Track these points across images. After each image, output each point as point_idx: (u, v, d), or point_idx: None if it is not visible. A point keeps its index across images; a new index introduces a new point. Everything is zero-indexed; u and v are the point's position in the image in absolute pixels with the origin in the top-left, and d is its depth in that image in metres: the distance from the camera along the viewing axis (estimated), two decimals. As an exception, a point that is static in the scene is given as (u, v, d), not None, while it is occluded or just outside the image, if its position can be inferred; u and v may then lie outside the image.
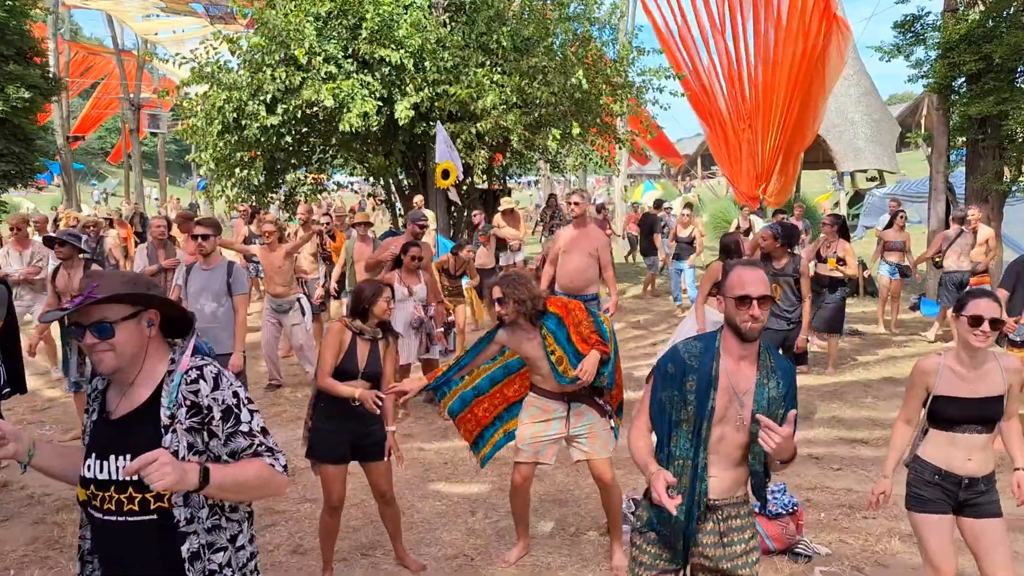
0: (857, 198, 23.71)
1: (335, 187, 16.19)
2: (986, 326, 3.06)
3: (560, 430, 4.16)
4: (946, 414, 3.20)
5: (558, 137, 13.50)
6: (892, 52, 13.10)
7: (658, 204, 15.06)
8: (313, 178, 15.18)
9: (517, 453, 4.23)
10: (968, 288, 3.31)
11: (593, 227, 7.16)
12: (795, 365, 6.54)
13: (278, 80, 12.16)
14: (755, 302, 2.49)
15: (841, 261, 8.40)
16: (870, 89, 25.70)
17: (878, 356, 9.25)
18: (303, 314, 8.32)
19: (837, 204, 25.43)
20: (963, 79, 12.14)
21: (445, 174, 10.30)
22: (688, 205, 23.13)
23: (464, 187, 14.30)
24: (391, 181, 15.25)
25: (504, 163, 16.06)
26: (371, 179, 16.12)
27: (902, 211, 10.86)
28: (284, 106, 12.39)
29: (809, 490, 5.31)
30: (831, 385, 7.96)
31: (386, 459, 4.12)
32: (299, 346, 8.19)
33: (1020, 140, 11.64)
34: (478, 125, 12.90)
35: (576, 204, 6.89)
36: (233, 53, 13.08)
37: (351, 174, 16.23)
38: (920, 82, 12.72)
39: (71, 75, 29.53)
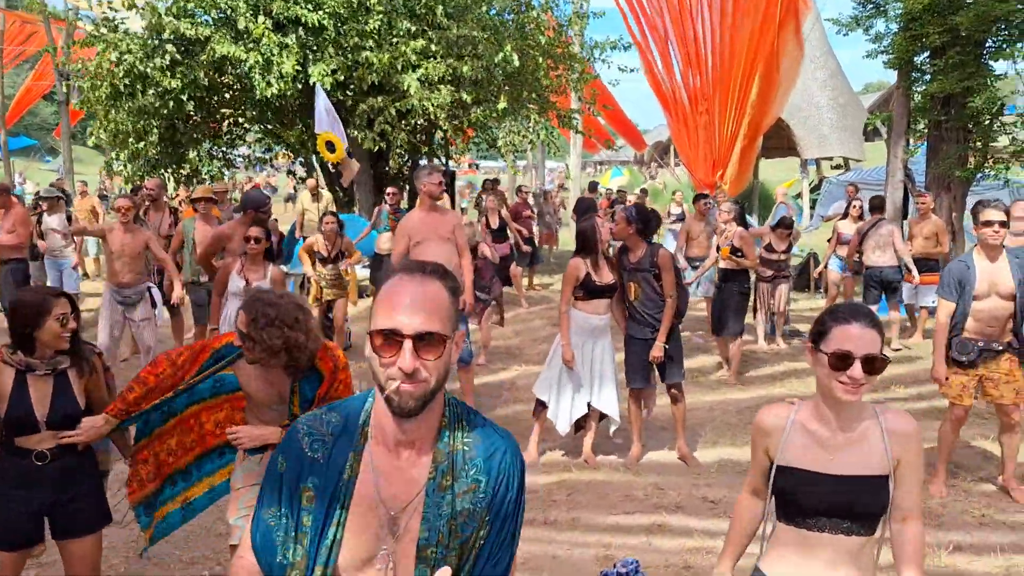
0: (820, 186, 22.75)
1: (250, 163, 14.81)
2: (857, 368, 1.91)
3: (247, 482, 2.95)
4: (795, 499, 2.04)
5: (482, 117, 12.29)
6: (851, 25, 11.97)
7: (592, 187, 13.82)
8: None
9: (231, 531, 2.98)
10: (840, 304, 1.93)
11: (446, 209, 5.98)
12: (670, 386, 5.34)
13: (180, 34, 10.80)
14: None
15: (737, 251, 7.24)
16: (836, 71, 24.65)
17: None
18: (153, 306, 7.03)
19: (799, 195, 24.46)
20: (926, 54, 11.03)
21: (330, 147, 8.98)
22: (644, 191, 21.98)
23: (388, 166, 13.08)
24: (312, 158, 13.95)
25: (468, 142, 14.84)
26: (293, 157, 14.82)
27: (858, 200, 9.71)
28: (184, 69, 11.08)
29: (690, 552, 4.12)
30: (742, 402, 6.77)
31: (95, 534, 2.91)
32: (147, 348, 6.90)
33: (986, 121, 10.56)
34: (398, 104, 11.67)
35: (432, 184, 5.64)
36: (129, 8, 11.63)
37: (268, 150, 14.84)
38: (880, 58, 11.58)
39: (9, 44, 27.78)
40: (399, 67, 11.53)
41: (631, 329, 5.33)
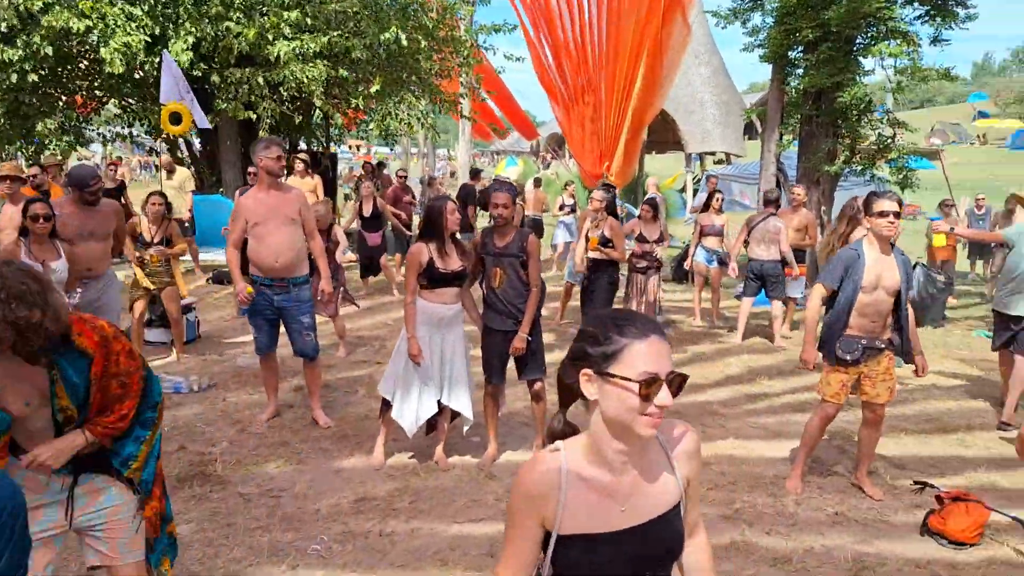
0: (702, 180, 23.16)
1: (106, 139, 13.68)
2: (666, 393, 1.52)
3: (57, 522, 2.43)
4: (586, 571, 1.62)
5: (361, 98, 11.74)
6: (728, 18, 12.02)
7: (475, 174, 13.46)
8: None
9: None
10: (616, 312, 1.50)
11: (289, 187, 5.45)
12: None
13: (16, 4, 9.81)
14: None
15: (607, 242, 7.02)
16: (720, 69, 25.14)
17: (684, 354, 8.01)
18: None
19: (684, 188, 24.88)
20: (800, 48, 11.18)
21: (175, 118, 8.23)
22: (537, 182, 21.78)
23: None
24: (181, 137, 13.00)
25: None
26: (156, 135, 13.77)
27: (719, 191, 9.70)
28: (25, 38, 10.08)
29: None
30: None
31: None
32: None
33: (854, 117, 10.79)
34: (267, 74, 10.98)
35: (270, 159, 5.10)
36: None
37: (129, 125, 13.74)
38: (756, 51, 11.68)
39: None
40: (270, 38, 10.86)
41: (490, 320, 4.95)
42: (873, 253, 4.38)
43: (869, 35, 10.56)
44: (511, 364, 4.99)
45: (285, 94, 11.51)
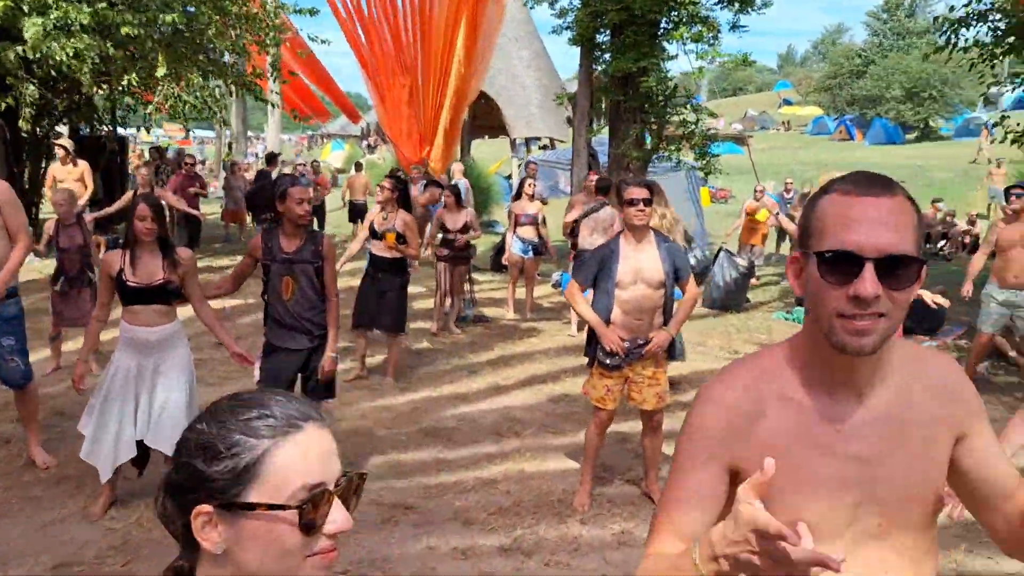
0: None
1: None
2: (341, 516, 0.97)
3: None
4: None
5: (136, 80, 10.46)
6: (537, -2, 11.72)
7: (271, 159, 12.43)
8: None
9: None
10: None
11: None
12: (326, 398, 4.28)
13: None
14: None
15: (400, 238, 6.34)
16: (541, 52, 25.14)
17: (491, 352, 7.56)
18: None
19: (510, 176, 24.73)
20: (607, 32, 11.03)
21: None
22: (358, 166, 20.82)
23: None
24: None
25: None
26: None
27: (530, 178, 9.36)
28: None
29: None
30: (396, 408, 5.98)
31: None
32: None
33: (659, 102, 10.77)
34: (21, 48, 9.50)
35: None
36: None
37: None
38: (565, 34, 11.45)
39: None
40: (25, 8, 9.41)
41: (277, 337, 4.22)
42: (629, 246, 4.05)
43: (672, 20, 10.56)
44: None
45: (40, 73, 10.05)
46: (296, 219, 4.15)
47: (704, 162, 10.68)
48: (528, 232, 8.94)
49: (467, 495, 4.26)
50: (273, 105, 15.58)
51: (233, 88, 12.75)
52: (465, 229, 7.79)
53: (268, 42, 13.61)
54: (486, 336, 8.13)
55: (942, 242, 14.63)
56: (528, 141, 30.45)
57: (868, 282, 1.12)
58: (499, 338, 8.11)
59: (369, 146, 37.31)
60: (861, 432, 1.26)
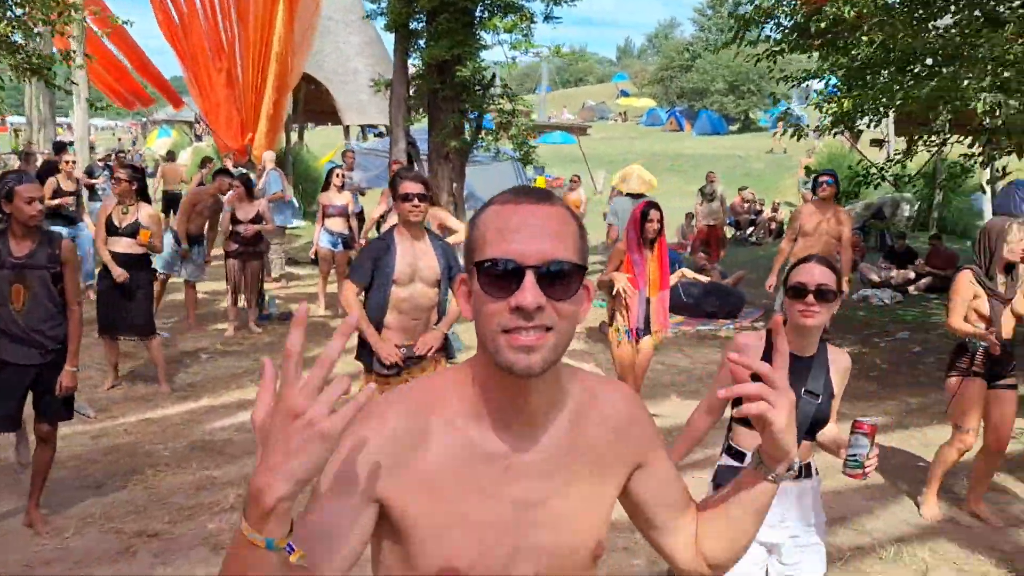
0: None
1: None
2: None
3: None
4: None
5: None
6: (351, -19, 11.26)
7: (59, 147, 11.31)
8: None
9: None
10: None
11: None
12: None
13: None
14: None
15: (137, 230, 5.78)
16: (375, 39, 24.53)
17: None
18: None
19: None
20: (423, 18, 10.77)
21: None
22: (170, 154, 19.49)
23: None
24: None
25: None
26: None
27: (339, 167, 9.01)
28: None
29: None
30: (170, 420, 5.52)
31: None
32: None
33: (476, 91, 10.65)
34: None
35: None
36: None
37: None
38: (379, 20, 11.10)
39: None
40: None
41: (4, 351, 3.69)
42: (405, 242, 3.86)
43: (487, 8, 10.43)
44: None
45: None
46: (26, 220, 3.67)
47: (523, 152, 10.66)
48: (337, 224, 8.60)
49: (223, 516, 3.92)
50: (67, 92, 14.22)
51: (13, 72, 11.47)
52: (257, 220, 7.34)
53: (60, 21, 12.40)
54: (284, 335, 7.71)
55: (750, 228, 15.48)
56: (365, 128, 29.77)
57: (528, 291, 1.03)
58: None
59: (197, 135, 35.31)
60: (528, 471, 1.15)
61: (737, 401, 1.20)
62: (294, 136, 28.25)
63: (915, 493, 4.58)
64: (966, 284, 4.01)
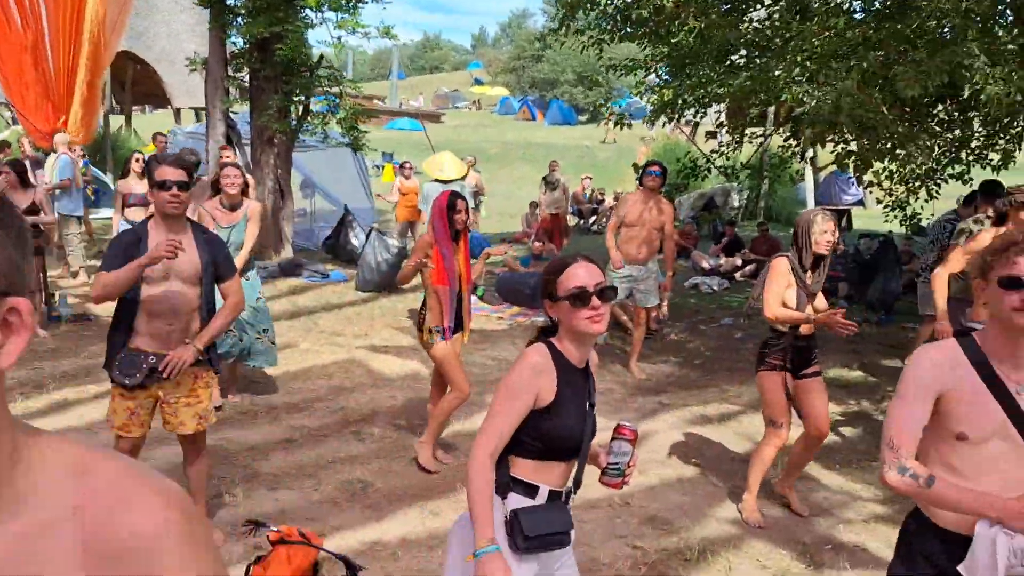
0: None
1: None
2: None
3: None
4: None
5: None
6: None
7: None
8: None
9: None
10: None
11: None
12: None
13: None
14: None
15: None
16: (207, 19, 23.08)
17: (76, 362, 6.42)
18: None
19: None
20: (240, -7, 10.04)
21: None
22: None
23: None
24: None
25: None
26: None
27: (139, 152, 8.22)
28: None
29: None
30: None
31: None
32: None
33: (302, 72, 10.05)
34: None
35: None
36: None
37: None
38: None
39: None
40: None
41: None
42: (161, 234, 3.35)
43: (311, -16, 9.84)
44: None
45: None
46: None
47: (353, 137, 10.16)
48: (138, 214, 7.79)
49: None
50: None
51: None
52: (34, 211, 6.50)
53: None
54: (79, 339, 6.91)
55: (592, 217, 15.63)
56: (199, 112, 28.00)
57: None
58: (96, 339, 6.93)
59: (14, 117, 32.11)
60: None
61: None
62: (120, 120, 26.24)
63: (728, 486, 4.54)
64: (783, 271, 3.95)
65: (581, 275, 2.13)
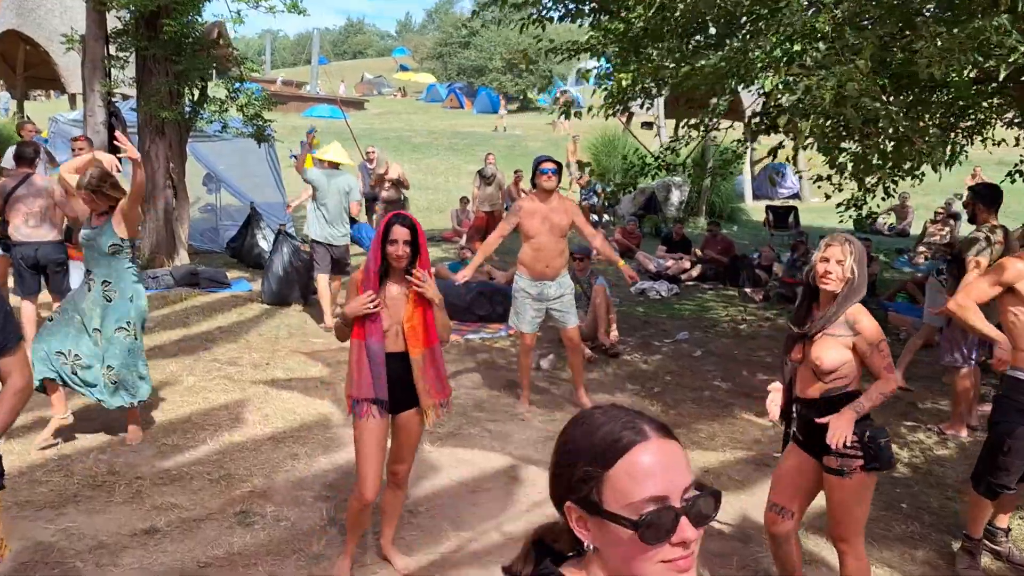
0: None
1: None
2: None
3: None
4: None
5: None
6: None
7: None
8: None
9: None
10: None
11: None
12: None
13: None
14: None
15: None
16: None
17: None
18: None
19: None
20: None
21: None
22: None
23: None
24: None
25: None
26: None
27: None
28: None
29: None
30: None
31: None
32: None
33: (192, 52, 8.69)
34: None
35: None
36: None
37: None
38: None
39: None
40: None
41: None
42: None
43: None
44: None
45: None
46: None
47: (256, 128, 8.88)
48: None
49: None
50: None
51: None
52: None
53: None
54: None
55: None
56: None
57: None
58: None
59: None
60: None
61: None
62: (12, 106, 23.98)
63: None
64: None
65: (656, 471, 1.04)
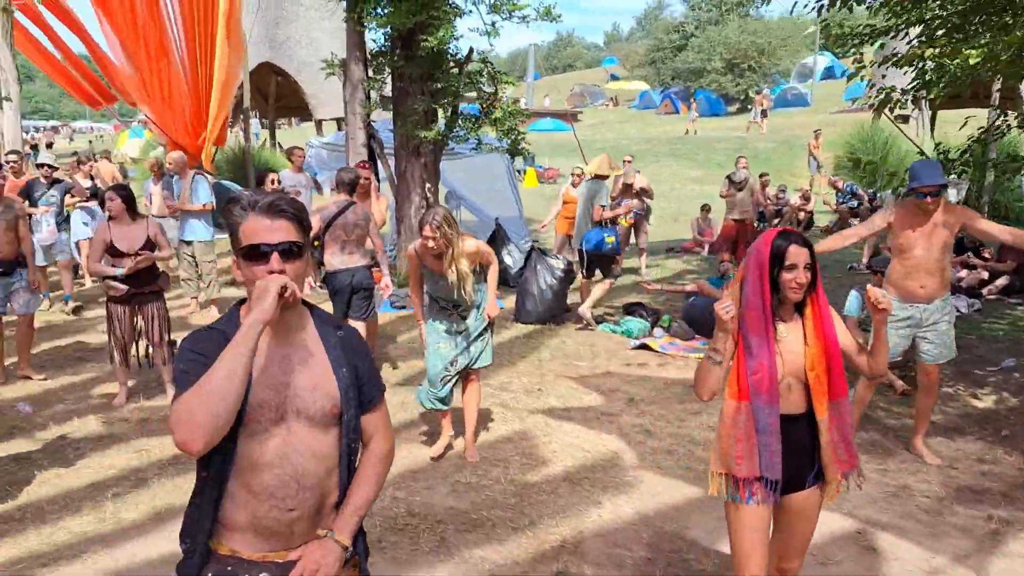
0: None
1: None
2: None
3: None
4: None
5: None
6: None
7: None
8: None
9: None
10: None
11: None
12: None
13: None
14: None
15: None
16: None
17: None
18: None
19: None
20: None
21: None
22: (106, 153, 17.37)
23: None
24: None
25: None
26: None
27: (272, 172, 7.01)
28: None
29: None
30: None
31: None
32: None
33: (451, 68, 8.63)
34: None
35: None
36: None
37: None
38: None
39: None
40: None
41: None
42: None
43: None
44: None
45: None
46: None
47: (511, 141, 8.66)
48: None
49: None
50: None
51: None
52: (149, 247, 5.29)
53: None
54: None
55: (775, 221, 13.46)
56: (340, 122, 27.68)
57: None
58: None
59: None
60: None
61: None
62: (264, 135, 26.15)
63: None
64: None
65: None
